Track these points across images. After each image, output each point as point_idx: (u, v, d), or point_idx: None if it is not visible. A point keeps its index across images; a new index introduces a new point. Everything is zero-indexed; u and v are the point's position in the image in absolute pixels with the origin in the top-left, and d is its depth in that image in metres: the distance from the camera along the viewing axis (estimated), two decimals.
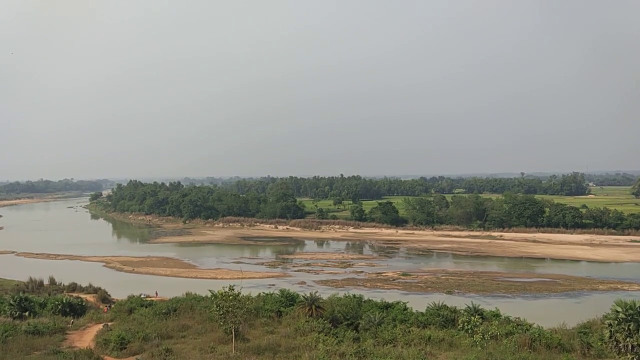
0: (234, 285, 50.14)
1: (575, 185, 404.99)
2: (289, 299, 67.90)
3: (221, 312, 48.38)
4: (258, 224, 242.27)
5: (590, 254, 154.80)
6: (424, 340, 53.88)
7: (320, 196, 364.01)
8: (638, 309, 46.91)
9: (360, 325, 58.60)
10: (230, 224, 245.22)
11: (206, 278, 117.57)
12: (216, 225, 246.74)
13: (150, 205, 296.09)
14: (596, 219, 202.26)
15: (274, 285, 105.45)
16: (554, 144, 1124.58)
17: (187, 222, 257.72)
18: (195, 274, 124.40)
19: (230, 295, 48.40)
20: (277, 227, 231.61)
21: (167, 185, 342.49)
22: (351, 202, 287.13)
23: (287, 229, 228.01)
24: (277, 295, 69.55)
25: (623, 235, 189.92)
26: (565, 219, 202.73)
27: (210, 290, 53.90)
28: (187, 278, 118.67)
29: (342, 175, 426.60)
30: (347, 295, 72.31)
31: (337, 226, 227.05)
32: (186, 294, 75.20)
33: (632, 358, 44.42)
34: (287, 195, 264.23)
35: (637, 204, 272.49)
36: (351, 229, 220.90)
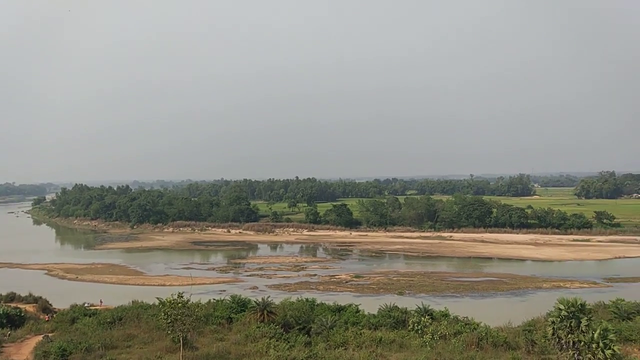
0: (183, 292, 49.49)
1: (521, 186, 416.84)
2: (240, 305, 67.40)
3: (169, 320, 47.58)
4: (210, 228, 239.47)
5: (535, 253, 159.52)
6: (375, 342, 54.54)
7: (275, 199, 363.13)
8: (579, 306, 48.67)
9: (312, 329, 58.73)
10: (181, 229, 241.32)
11: (154, 285, 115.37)
12: (166, 230, 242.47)
13: (96, 210, 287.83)
14: (541, 219, 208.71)
15: (225, 291, 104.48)
16: (502, 146, 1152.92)
17: (135, 227, 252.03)
18: (143, 281, 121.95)
19: (179, 303, 47.70)
20: (229, 231, 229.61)
21: (115, 189, 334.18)
22: (306, 204, 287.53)
23: (240, 232, 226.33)
24: (228, 301, 68.90)
25: (566, 234, 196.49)
26: (511, 219, 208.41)
27: (158, 298, 52.97)
28: (134, 285, 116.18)
29: (297, 177, 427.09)
30: (299, 299, 72.25)
31: (292, 229, 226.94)
32: (132, 302, 73.49)
33: (573, 354, 46.08)
34: (241, 199, 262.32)
35: (579, 205, 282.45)
36: (305, 232, 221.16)
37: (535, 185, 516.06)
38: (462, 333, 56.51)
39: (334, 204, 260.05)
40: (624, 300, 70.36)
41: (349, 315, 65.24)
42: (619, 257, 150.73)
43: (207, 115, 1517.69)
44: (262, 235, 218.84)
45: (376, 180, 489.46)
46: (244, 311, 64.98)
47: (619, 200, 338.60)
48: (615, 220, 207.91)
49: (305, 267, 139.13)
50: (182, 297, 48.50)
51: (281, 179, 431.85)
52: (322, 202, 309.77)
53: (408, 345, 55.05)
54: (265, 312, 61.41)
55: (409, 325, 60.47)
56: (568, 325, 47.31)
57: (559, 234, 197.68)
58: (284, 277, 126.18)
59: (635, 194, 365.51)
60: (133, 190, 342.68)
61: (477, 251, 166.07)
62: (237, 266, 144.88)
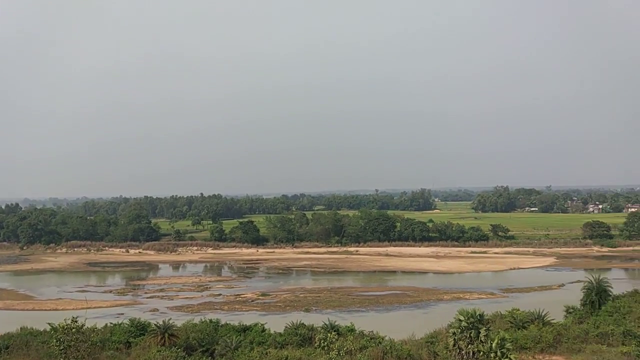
0: (77, 317, 46.65)
1: (423, 201, 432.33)
2: (140, 329, 64.53)
3: (62, 347, 44.66)
4: (107, 248, 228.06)
5: (436, 266, 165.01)
6: None
7: (178, 217, 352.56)
8: (478, 317, 50.40)
9: (216, 351, 57.15)
10: (76, 249, 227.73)
11: (45, 310, 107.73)
12: (59, 250, 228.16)
13: None
14: (441, 232, 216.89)
15: (123, 314, 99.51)
16: (404, 161, 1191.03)
17: (24, 248, 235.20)
18: (33, 306, 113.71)
19: (73, 328, 44.93)
20: (128, 251, 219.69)
21: (3, 207, 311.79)
22: (211, 222, 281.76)
23: (139, 252, 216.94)
24: (126, 325, 65.81)
25: (464, 247, 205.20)
26: (414, 232, 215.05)
27: (49, 324, 49.64)
28: (23, 311, 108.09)
29: (202, 194, 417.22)
30: (203, 320, 70.31)
31: (195, 248, 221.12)
32: (21, 328, 68.20)
33: None
34: (141, 217, 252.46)
35: (476, 218, 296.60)
36: (210, 250, 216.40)
37: (436, 199, 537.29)
38: (368, 348, 56.95)
39: (241, 220, 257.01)
40: (519, 310, 73.83)
41: (254, 335, 64.08)
42: (514, 268, 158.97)
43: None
44: (164, 254, 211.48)
45: (284, 196, 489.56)
46: (144, 335, 62.26)
47: (512, 213, 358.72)
48: (509, 232, 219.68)
49: (210, 287, 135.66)
50: (76, 321, 45.77)
51: (184, 196, 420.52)
52: (228, 219, 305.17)
53: None
54: (166, 335, 59.00)
55: (315, 343, 60.23)
56: (468, 335, 48.80)
57: (458, 246, 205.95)
58: (187, 297, 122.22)
59: (527, 208, 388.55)
60: (23, 209, 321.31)
61: (382, 265, 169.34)
62: (136, 288, 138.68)
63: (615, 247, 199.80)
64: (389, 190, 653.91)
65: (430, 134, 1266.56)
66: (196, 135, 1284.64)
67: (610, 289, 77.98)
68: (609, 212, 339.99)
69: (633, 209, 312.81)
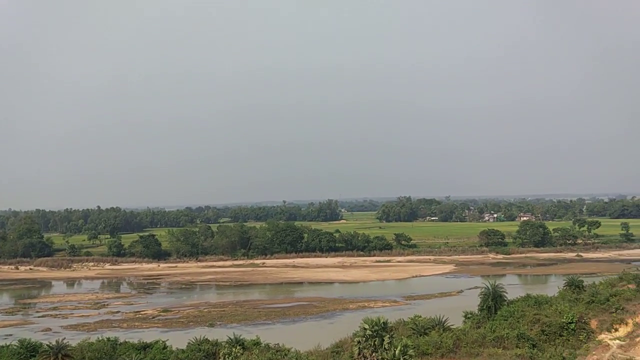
0: None
1: (330, 211, 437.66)
2: (30, 350, 60.70)
3: None
4: None
5: (342, 276, 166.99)
6: None
7: (73, 231, 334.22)
8: (382, 325, 51.10)
9: None
10: None
11: None
12: None
13: None
14: (347, 242, 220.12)
15: (11, 335, 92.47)
16: (312, 173, 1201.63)
17: None
18: None
19: None
20: (18, 268, 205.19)
21: None
22: (109, 236, 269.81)
23: (30, 269, 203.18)
24: (15, 347, 61.84)
25: (370, 256, 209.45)
26: (321, 243, 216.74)
27: None
28: None
29: (99, 207, 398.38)
30: (100, 339, 67.05)
31: (92, 263, 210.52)
32: None
33: None
34: (32, 231, 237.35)
35: (381, 228, 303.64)
36: (108, 266, 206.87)
37: (343, 210, 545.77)
38: None
39: (141, 234, 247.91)
40: (420, 317, 75.75)
41: (155, 353, 61.66)
42: (416, 276, 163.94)
43: None
44: (58, 271, 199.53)
45: (188, 209, 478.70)
46: (35, 356, 58.51)
47: (414, 222, 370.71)
48: (412, 241, 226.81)
49: (107, 304, 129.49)
50: None
51: (80, 209, 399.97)
52: (127, 233, 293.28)
53: None
54: (59, 355, 55.80)
55: (219, 358, 58.81)
56: (372, 343, 49.32)
57: (363, 256, 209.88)
58: (83, 316, 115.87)
59: (428, 217, 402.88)
60: None
61: (288, 276, 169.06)
62: (27, 307, 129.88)
63: (509, 254, 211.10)
64: (296, 202, 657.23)
65: (336, 146, 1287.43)
66: (92, 144, 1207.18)
67: (505, 294, 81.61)
68: (503, 220, 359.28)
69: (525, 218, 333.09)
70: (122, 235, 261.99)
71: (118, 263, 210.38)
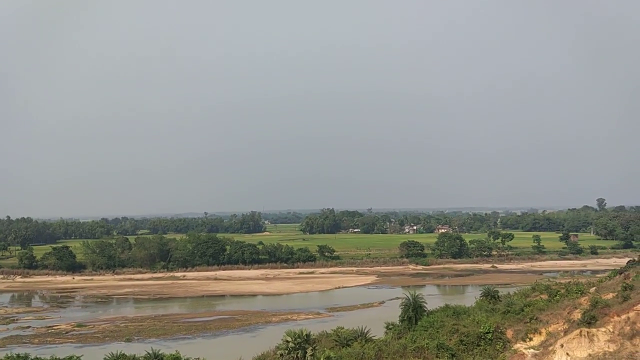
0: None
1: (253, 223, 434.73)
2: None
3: None
4: None
5: (265, 288, 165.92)
6: None
7: None
8: (305, 337, 51.19)
9: None
10: None
11: None
12: None
13: None
14: (271, 254, 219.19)
15: None
16: (235, 184, 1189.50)
17: None
18: None
19: None
20: None
21: None
22: (20, 247, 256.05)
23: None
24: None
25: (293, 268, 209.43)
26: (244, 255, 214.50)
27: None
28: None
29: (8, 217, 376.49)
30: (9, 355, 63.25)
31: (1, 276, 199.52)
32: None
33: None
34: None
35: (304, 239, 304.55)
36: (19, 278, 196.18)
37: (266, 222, 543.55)
38: None
39: (54, 246, 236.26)
40: (343, 328, 76.32)
41: None
42: (339, 287, 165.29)
43: None
44: None
45: (103, 220, 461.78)
46: None
47: (338, 234, 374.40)
48: (335, 253, 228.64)
49: (17, 319, 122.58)
50: None
51: None
52: (39, 245, 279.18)
53: None
54: None
55: None
56: (295, 356, 49.32)
57: (287, 267, 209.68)
58: None
59: (351, 229, 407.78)
60: None
61: (210, 289, 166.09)
62: None
63: (428, 265, 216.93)
64: (218, 213, 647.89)
65: (259, 157, 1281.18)
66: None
67: (425, 304, 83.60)
68: (422, 232, 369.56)
69: (443, 230, 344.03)
70: (34, 247, 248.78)
71: (30, 275, 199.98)
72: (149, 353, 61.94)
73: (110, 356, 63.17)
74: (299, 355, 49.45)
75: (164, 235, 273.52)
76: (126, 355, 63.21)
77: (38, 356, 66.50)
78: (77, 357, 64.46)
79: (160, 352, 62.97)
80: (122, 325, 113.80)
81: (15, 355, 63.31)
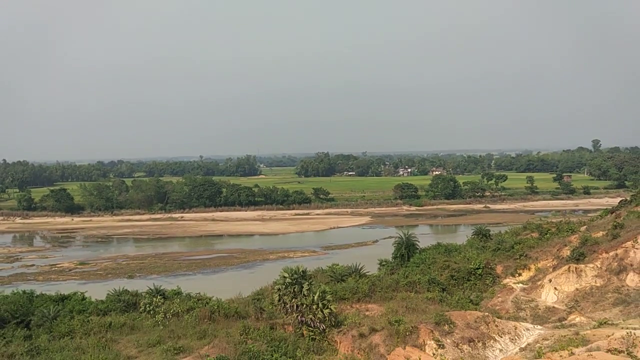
0: None
1: (248, 166, 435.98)
2: None
3: None
4: None
5: (262, 228, 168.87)
6: (104, 327, 52.29)
7: None
8: (301, 273, 53.08)
9: (32, 322, 53.62)
10: None
11: None
12: None
13: None
14: (267, 196, 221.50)
15: None
16: (228, 128, 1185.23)
17: None
18: None
19: None
20: None
21: None
22: (17, 190, 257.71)
23: None
24: None
25: (289, 210, 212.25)
26: (240, 197, 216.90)
27: None
28: None
29: (4, 160, 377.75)
30: (15, 291, 65.34)
31: (1, 217, 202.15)
32: None
33: (297, 316, 50.12)
34: None
35: (299, 182, 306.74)
36: (19, 220, 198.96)
37: (261, 165, 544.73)
38: (195, 309, 57.11)
39: (52, 188, 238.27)
40: (338, 265, 78.67)
41: (74, 304, 60.84)
42: (334, 228, 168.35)
43: None
44: None
45: (99, 163, 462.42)
46: None
47: (332, 177, 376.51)
48: (330, 195, 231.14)
49: (21, 258, 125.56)
50: None
51: None
52: (37, 187, 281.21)
53: (140, 327, 53.81)
54: None
55: (140, 307, 59.09)
56: (292, 290, 51.30)
57: (283, 209, 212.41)
58: None
59: (345, 172, 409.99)
60: None
61: (208, 229, 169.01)
62: None
63: (421, 206, 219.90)
64: (214, 157, 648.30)
65: (257, 104, 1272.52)
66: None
67: (417, 243, 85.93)
68: (416, 175, 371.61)
69: (437, 172, 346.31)
70: (32, 189, 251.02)
71: (29, 217, 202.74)
72: (151, 289, 64.11)
73: (113, 292, 65.36)
74: (295, 290, 51.30)
75: (161, 178, 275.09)
76: (129, 291, 65.44)
77: (43, 292, 68.77)
78: (82, 293, 66.43)
79: (161, 288, 65.20)
80: (124, 263, 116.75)
81: (21, 292, 65.46)
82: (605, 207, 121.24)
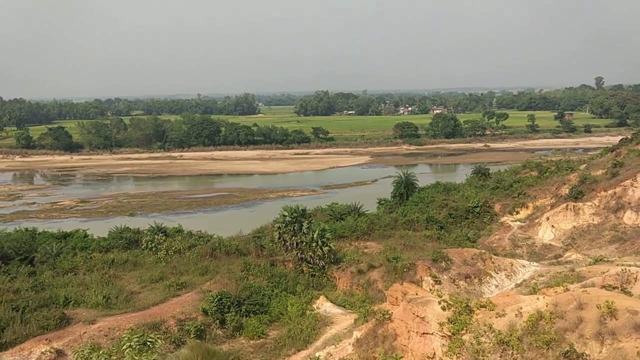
0: None
1: (247, 105, 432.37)
2: None
3: None
4: None
5: (261, 168, 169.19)
6: (107, 264, 53.16)
7: None
8: (301, 211, 53.59)
9: (36, 258, 54.48)
10: None
11: None
12: None
13: None
14: (266, 136, 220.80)
15: None
16: (228, 65, 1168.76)
17: None
18: None
19: None
20: None
21: None
22: (15, 128, 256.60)
23: None
24: None
25: (288, 149, 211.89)
26: (239, 137, 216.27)
27: None
28: None
29: (1, 98, 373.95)
30: (18, 229, 66.17)
31: (0, 156, 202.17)
32: None
33: (297, 253, 50.94)
34: None
35: (299, 122, 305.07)
36: (18, 158, 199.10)
37: (260, 104, 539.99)
38: (196, 246, 57.97)
39: (50, 126, 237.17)
40: (337, 204, 79.41)
41: (76, 241, 61.69)
42: (333, 167, 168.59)
43: None
44: None
45: (97, 101, 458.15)
46: None
47: (332, 116, 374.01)
48: (329, 134, 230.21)
49: (22, 196, 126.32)
50: None
51: None
52: (35, 125, 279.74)
53: (142, 264, 54.72)
54: None
55: (142, 245, 59.94)
56: (292, 229, 51.93)
57: (282, 149, 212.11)
58: None
59: (345, 111, 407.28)
60: None
61: (207, 168, 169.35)
62: None
63: (421, 145, 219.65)
64: (212, 95, 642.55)
65: (255, 39, 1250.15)
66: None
67: (416, 182, 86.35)
68: (417, 113, 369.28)
69: (437, 111, 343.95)
70: (30, 128, 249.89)
71: (28, 155, 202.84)
72: (152, 226, 64.85)
73: (115, 229, 66.10)
74: (295, 228, 51.90)
75: (159, 117, 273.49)
76: (130, 229, 66.18)
77: (45, 230, 69.53)
78: (84, 231, 67.20)
79: (163, 226, 65.94)
80: (125, 201, 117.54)
81: (24, 229, 66.18)
82: (605, 146, 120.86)
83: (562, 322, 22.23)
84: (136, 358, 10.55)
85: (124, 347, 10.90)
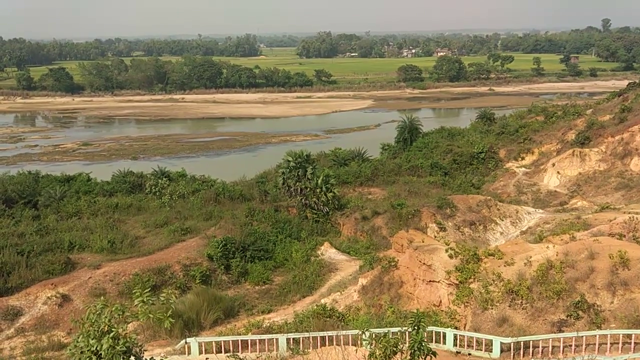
0: None
1: (248, 46, 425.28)
2: None
3: None
4: None
5: (263, 111, 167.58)
6: (111, 208, 53.17)
7: None
8: (305, 157, 53.18)
9: (39, 202, 54.48)
10: None
11: None
12: None
13: None
14: (268, 78, 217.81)
15: None
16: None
17: None
18: None
19: None
20: None
21: None
22: (16, 69, 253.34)
23: None
24: None
25: (290, 92, 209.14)
26: (241, 79, 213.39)
27: None
28: None
29: (0, 38, 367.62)
30: (21, 172, 66.04)
31: (1, 97, 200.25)
32: None
33: (301, 199, 50.83)
34: None
35: (301, 64, 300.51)
36: (19, 100, 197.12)
37: (261, 45, 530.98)
38: (200, 191, 57.88)
39: (50, 67, 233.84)
40: (341, 149, 78.92)
41: (80, 185, 61.65)
42: (336, 111, 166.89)
43: None
44: None
45: (97, 41, 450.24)
46: None
47: (334, 59, 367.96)
48: (332, 77, 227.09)
49: (24, 138, 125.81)
50: None
51: None
52: (35, 66, 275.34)
53: (146, 208, 54.77)
54: None
55: (146, 189, 59.83)
56: (296, 174, 51.66)
57: (284, 92, 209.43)
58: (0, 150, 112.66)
59: (348, 53, 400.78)
60: None
61: (209, 112, 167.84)
62: None
63: (425, 89, 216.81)
64: (212, 35, 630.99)
65: None
66: None
67: (420, 127, 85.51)
68: (421, 56, 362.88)
69: (442, 53, 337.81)
70: (30, 68, 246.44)
71: (30, 97, 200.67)
72: (155, 170, 64.66)
73: (118, 173, 65.94)
74: (299, 173, 51.64)
75: (159, 58, 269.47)
76: (134, 172, 66.03)
77: (48, 173, 69.42)
78: (87, 174, 67.08)
79: (166, 169, 65.73)
80: (127, 144, 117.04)
81: (27, 172, 66.04)
82: (612, 90, 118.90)
83: (573, 271, 22.11)
84: (151, 315, 10.34)
85: (136, 303, 10.67)
